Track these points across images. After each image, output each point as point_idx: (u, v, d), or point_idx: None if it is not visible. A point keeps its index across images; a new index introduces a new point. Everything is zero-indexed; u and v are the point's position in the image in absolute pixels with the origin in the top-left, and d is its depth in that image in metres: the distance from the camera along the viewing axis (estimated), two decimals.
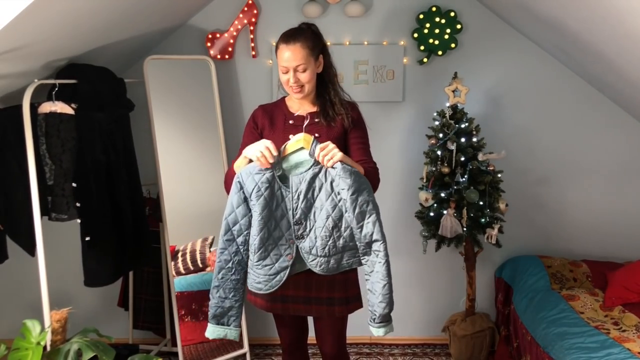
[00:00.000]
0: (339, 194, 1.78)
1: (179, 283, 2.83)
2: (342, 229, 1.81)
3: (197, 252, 2.89)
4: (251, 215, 1.81)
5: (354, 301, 2.01)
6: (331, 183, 1.78)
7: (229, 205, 1.82)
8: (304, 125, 1.96)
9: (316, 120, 1.96)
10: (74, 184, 2.24)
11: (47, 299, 2.22)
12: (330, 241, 1.81)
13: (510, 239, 3.00)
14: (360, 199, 1.77)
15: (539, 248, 3.14)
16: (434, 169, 2.73)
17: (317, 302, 1.96)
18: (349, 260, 1.86)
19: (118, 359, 1.82)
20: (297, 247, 1.83)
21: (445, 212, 2.65)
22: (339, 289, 1.95)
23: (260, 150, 1.75)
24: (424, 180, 2.79)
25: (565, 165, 3.08)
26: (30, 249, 2.38)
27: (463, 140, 2.66)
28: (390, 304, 1.83)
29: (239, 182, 1.80)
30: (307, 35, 1.91)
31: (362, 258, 1.85)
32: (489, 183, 2.66)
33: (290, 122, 1.97)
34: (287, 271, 1.84)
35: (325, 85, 1.99)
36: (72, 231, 2.28)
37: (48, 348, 1.90)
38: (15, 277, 3.13)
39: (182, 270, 2.85)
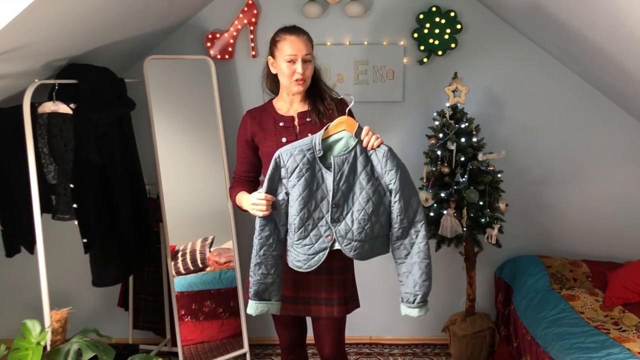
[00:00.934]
0: (377, 178, 1.80)
1: (179, 283, 2.83)
2: (380, 213, 1.82)
3: (197, 252, 2.89)
4: (288, 194, 1.81)
5: (352, 301, 2.02)
6: (371, 167, 1.80)
7: (267, 182, 1.82)
8: (295, 125, 1.97)
9: (308, 119, 1.97)
10: (71, 185, 2.24)
11: (47, 299, 2.23)
12: (368, 226, 1.81)
13: (510, 239, 2.99)
14: (407, 180, 1.82)
15: (539, 248, 3.14)
16: (434, 169, 2.74)
17: (316, 303, 1.96)
18: (380, 248, 1.89)
19: (118, 359, 1.82)
20: None
21: (445, 212, 2.65)
22: (337, 290, 1.96)
23: (257, 205, 1.80)
24: (424, 180, 2.79)
25: (565, 165, 3.08)
26: (30, 247, 2.39)
27: (463, 140, 2.66)
28: (431, 281, 1.89)
29: (277, 160, 1.80)
30: (307, 32, 1.96)
31: (395, 242, 1.86)
32: (489, 183, 2.66)
33: (281, 124, 1.97)
34: (326, 252, 1.83)
35: (314, 83, 2.01)
36: (73, 231, 2.28)
37: (48, 348, 1.90)
38: (15, 276, 3.14)
39: (182, 270, 2.85)
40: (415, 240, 1.85)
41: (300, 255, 1.85)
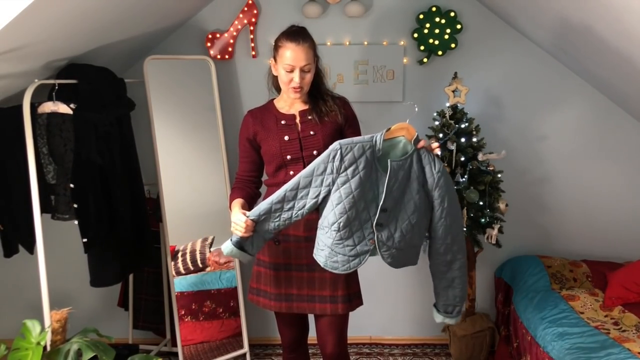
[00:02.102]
0: (427, 191, 1.79)
1: (179, 283, 2.83)
2: (421, 226, 1.82)
3: (197, 252, 2.89)
4: (326, 190, 1.75)
5: (355, 298, 2.03)
6: (424, 179, 1.79)
7: (312, 167, 1.77)
8: (297, 123, 1.97)
9: (309, 117, 1.97)
10: (71, 185, 2.24)
11: (47, 299, 2.22)
12: (409, 235, 1.80)
13: (510, 239, 3.00)
14: (456, 200, 1.84)
15: (539, 248, 3.14)
16: None
17: (320, 300, 1.98)
18: (412, 258, 1.90)
19: (118, 359, 1.82)
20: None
21: None
22: (341, 287, 1.97)
23: (236, 225, 1.78)
24: None
25: (565, 165, 3.08)
26: (30, 247, 2.39)
27: (463, 140, 2.66)
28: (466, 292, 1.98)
29: (335, 152, 1.73)
30: (310, 37, 1.94)
31: (437, 258, 1.88)
32: (489, 183, 2.66)
33: (283, 122, 1.98)
34: (367, 255, 1.81)
35: (316, 83, 2.00)
36: (73, 231, 2.28)
37: (48, 348, 1.90)
38: (15, 276, 3.14)
39: (182, 270, 2.85)
40: (457, 257, 1.87)
41: (339, 256, 1.80)
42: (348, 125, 2.02)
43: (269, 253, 2.01)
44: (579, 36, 2.41)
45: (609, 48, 2.31)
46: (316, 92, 2.00)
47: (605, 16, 2.04)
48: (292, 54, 1.87)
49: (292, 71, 1.89)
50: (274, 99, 2.07)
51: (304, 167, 1.94)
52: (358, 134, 2.05)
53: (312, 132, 1.95)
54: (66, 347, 1.77)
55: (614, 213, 3.10)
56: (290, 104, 2.01)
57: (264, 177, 2.09)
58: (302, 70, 1.89)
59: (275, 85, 2.06)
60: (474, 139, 2.70)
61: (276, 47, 1.94)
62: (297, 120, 1.98)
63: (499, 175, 2.72)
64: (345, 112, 2.01)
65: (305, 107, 2.00)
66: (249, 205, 1.96)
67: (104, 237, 2.39)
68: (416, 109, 1.85)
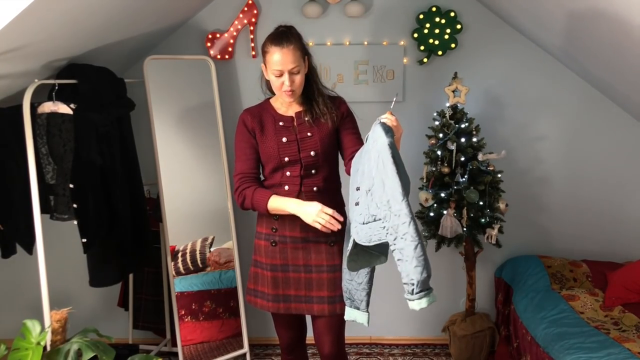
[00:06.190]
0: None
1: (179, 283, 2.84)
2: None
3: (197, 252, 2.89)
4: None
5: None
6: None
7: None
8: (294, 125, 1.97)
9: (305, 119, 1.97)
10: (71, 185, 2.24)
11: (47, 299, 2.23)
12: None
13: (510, 239, 3.00)
14: None
15: (539, 248, 3.14)
16: (434, 169, 2.74)
17: (318, 301, 1.98)
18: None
19: (118, 359, 1.82)
20: None
21: (445, 212, 2.65)
22: (339, 287, 1.97)
23: (324, 218, 1.80)
24: (424, 180, 2.79)
25: (565, 165, 3.08)
26: (28, 247, 2.39)
27: (463, 140, 2.66)
28: (427, 267, 1.69)
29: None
30: (296, 37, 1.91)
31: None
32: (489, 183, 2.66)
33: (281, 123, 1.97)
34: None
35: (309, 85, 1.99)
36: (72, 231, 2.28)
37: (48, 348, 1.90)
38: (15, 277, 3.14)
39: (182, 270, 2.85)
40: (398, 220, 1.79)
41: None
42: (343, 122, 2.01)
43: (265, 254, 2.01)
44: (579, 36, 2.41)
45: (609, 49, 2.31)
46: (309, 91, 1.99)
47: (607, 17, 2.04)
48: (277, 59, 1.86)
49: (281, 75, 1.88)
50: (270, 98, 2.07)
51: (301, 168, 1.94)
52: (354, 129, 2.04)
53: (309, 134, 1.95)
54: (66, 347, 1.77)
55: (614, 213, 3.10)
56: (287, 104, 2.01)
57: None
58: (290, 73, 1.88)
59: (269, 88, 2.05)
60: (474, 139, 2.70)
61: (263, 53, 1.92)
62: (295, 122, 1.98)
63: (499, 175, 2.72)
64: (338, 111, 2.01)
65: (300, 108, 2.00)
66: None
67: (104, 237, 2.39)
68: (396, 99, 1.88)
